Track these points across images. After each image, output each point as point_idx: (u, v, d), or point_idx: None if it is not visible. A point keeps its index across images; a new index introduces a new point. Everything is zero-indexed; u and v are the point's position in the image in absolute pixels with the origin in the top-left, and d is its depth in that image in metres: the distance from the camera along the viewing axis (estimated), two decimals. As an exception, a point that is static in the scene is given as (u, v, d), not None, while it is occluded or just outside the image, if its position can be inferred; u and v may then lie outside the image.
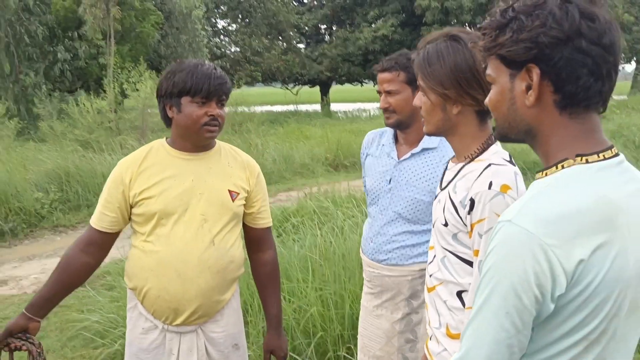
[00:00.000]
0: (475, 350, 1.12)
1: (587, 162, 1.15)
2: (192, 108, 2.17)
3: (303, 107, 30.83)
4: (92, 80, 21.27)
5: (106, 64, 18.72)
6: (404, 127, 2.45)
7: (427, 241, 2.39)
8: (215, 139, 2.34)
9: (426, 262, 2.38)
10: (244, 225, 2.41)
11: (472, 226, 1.61)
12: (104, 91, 15.46)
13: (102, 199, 2.27)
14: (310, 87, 38.87)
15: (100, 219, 2.26)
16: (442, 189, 1.78)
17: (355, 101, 41.94)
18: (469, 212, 1.61)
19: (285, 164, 13.02)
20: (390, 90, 2.41)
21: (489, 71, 1.26)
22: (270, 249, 2.45)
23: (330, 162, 13.75)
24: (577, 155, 1.16)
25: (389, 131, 2.55)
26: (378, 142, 2.59)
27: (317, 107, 33.88)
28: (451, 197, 1.69)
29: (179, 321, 2.24)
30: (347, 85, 42.20)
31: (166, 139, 2.33)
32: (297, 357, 3.56)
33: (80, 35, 20.64)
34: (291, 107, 30.56)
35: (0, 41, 19.84)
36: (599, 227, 1.08)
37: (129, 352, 2.34)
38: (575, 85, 1.13)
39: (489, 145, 1.72)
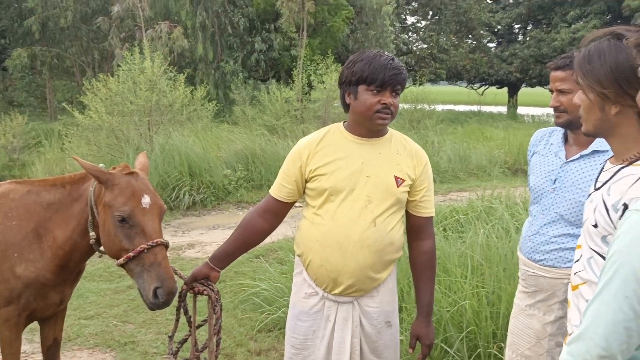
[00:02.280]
0: (594, 329, 1.15)
1: None
2: (367, 96, 2.32)
3: (487, 108, 29.99)
4: (284, 71, 22.55)
5: (297, 55, 19.73)
6: (575, 128, 2.39)
7: (588, 245, 2.32)
8: (388, 127, 2.47)
9: (585, 266, 2.33)
10: (407, 212, 2.50)
11: None
12: (293, 81, 16.36)
13: (281, 172, 2.51)
14: (497, 87, 37.64)
15: (278, 189, 2.50)
16: (595, 189, 1.75)
17: (545, 105, 39.78)
18: (621, 217, 1.57)
19: (461, 163, 12.84)
20: (563, 89, 2.36)
21: None
22: (429, 239, 2.52)
23: (509, 166, 13.29)
24: None
25: (559, 130, 2.50)
26: (547, 141, 2.55)
27: (503, 109, 32.77)
28: (604, 199, 1.65)
29: (337, 291, 2.41)
30: (537, 88, 40.24)
31: (343, 122, 2.50)
32: (448, 348, 3.60)
33: (276, 28, 21.97)
34: (474, 108, 29.88)
35: (207, 31, 21.82)
36: None
37: (291, 314, 2.56)
38: None
39: None
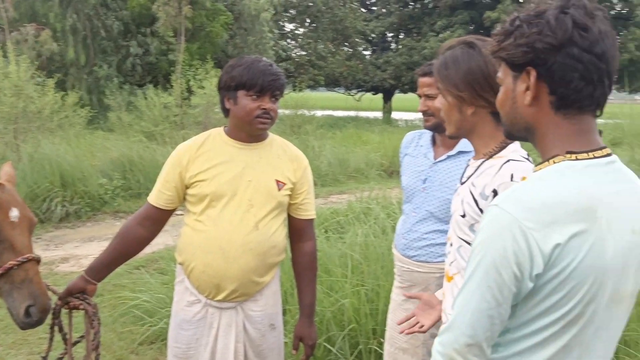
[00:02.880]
0: (461, 318, 1.25)
1: (576, 159, 1.27)
2: (247, 101, 2.35)
3: (364, 114, 30.95)
4: (161, 76, 21.99)
5: (175, 60, 19.36)
6: (442, 130, 2.53)
7: (456, 240, 2.49)
8: (269, 132, 2.51)
9: (454, 260, 2.49)
10: (288, 215, 2.56)
11: None
12: (172, 86, 16.00)
13: (160, 178, 2.49)
14: (373, 94, 38.92)
15: (157, 196, 2.47)
16: (461, 183, 1.90)
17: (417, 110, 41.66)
18: None
19: (340, 167, 13.16)
20: (429, 94, 2.53)
21: (499, 74, 1.40)
22: (310, 240, 2.59)
23: (385, 168, 13.82)
24: (568, 152, 1.28)
25: (428, 133, 2.67)
26: (417, 143, 2.71)
27: (379, 114, 33.92)
28: (471, 190, 1.81)
29: (220, 297, 2.41)
30: (410, 94, 42.06)
31: (224, 127, 2.52)
32: (330, 347, 3.69)
33: (153, 32, 21.42)
34: (352, 113, 30.73)
35: (78, 34, 20.84)
36: (577, 217, 1.20)
37: (173, 323, 2.53)
38: (567, 88, 1.26)
39: (507, 144, 1.84)
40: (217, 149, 2.45)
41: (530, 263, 1.19)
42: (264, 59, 2.45)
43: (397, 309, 2.69)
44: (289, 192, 2.48)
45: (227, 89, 2.40)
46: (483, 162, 1.84)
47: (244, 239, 2.37)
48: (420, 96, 2.58)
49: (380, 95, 38.39)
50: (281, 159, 2.49)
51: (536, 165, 1.34)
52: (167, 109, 14.76)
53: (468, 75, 1.79)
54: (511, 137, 1.45)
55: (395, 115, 34.71)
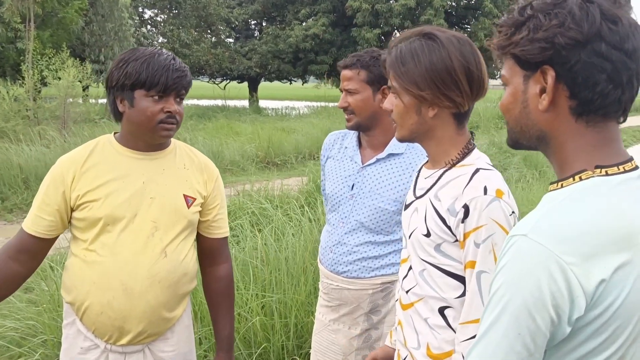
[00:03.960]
0: None
1: (606, 174, 1.08)
2: (147, 103, 1.95)
3: (231, 103, 30.37)
4: (9, 66, 20.06)
5: (25, 49, 17.68)
6: (365, 130, 2.32)
7: (391, 253, 2.27)
8: (171, 138, 2.13)
9: (389, 274, 2.27)
10: (198, 234, 2.20)
11: (465, 235, 1.50)
12: (22, 78, 14.58)
13: (37, 201, 2.02)
14: (238, 82, 38.35)
15: (35, 222, 2.00)
16: (417, 197, 1.66)
17: (284, 99, 41.77)
18: (463, 220, 1.50)
19: (215, 160, 12.60)
20: (350, 89, 2.28)
21: (503, 71, 1.18)
22: (225, 262, 2.25)
23: (261, 160, 13.53)
24: (597, 167, 1.09)
25: (352, 133, 2.42)
26: (340, 144, 2.45)
27: (245, 103, 33.48)
28: (434, 205, 1.57)
29: (124, 341, 2.02)
30: (275, 83, 41.94)
31: (114, 134, 2.10)
32: (237, 368, 3.37)
33: (-3, 17, 19.41)
34: (219, 102, 30.04)
35: None
36: (620, 246, 1.01)
37: None
38: (592, 92, 1.06)
39: (470, 150, 1.63)
40: (109, 161, 2.02)
41: (570, 305, 0.98)
42: (164, 51, 2.03)
43: (323, 330, 2.43)
44: (199, 209, 2.12)
45: (120, 88, 1.97)
46: (445, 171, 1.61)
47: (150, 269, 1.98)
48: (341, 90, 2.32)
49: (245, 84, 37.94)
50: (189, 170, 2.12)
51: (556, 183, 1.13)
52: (18, 102, 13.42)
53: (430, 72, 1.55)
54: (517, 146, 1.22)
55: (262, 103, 34.46)
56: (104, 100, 21.04)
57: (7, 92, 13.23)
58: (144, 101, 1.95)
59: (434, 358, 1.60)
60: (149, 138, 2.02)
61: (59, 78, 13.49)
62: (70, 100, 13.78)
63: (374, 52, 2.29)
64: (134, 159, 2.04)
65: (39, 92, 14.14)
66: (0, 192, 9.18)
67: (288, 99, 40.50)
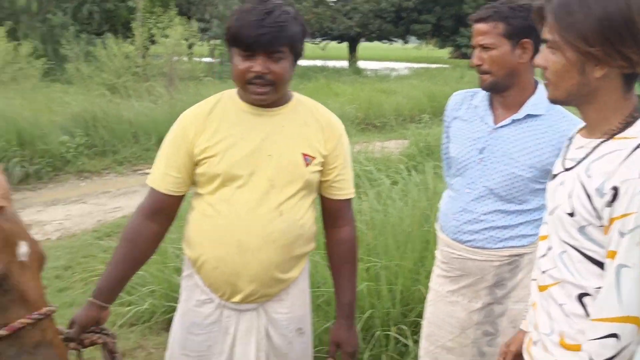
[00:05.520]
0: None
1: None
2: (238, 61, 1.85)
3: (331, 63, 30.20)
4: (120, 24, 20.87)
5: (135, 7, 18.25)
6: (501, 90, 2.09)
7: (522, 224, 2.07)
8: (294, 92, 2.03)
9: (518, 246, 2.08)
10: (320, 196, 2.08)
11: (611, 221, 1.28)
12: (132, 35, 15.07)
13: (162, 157, 1.98)
14: (338, 42, 38.04)
15: (164, 180, 1.96)
16: (566, 169, 1.44)
17: (383, 60, 41.08)
18: (610, 204, 1.28)
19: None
20: (485, 44, 2.04)
21: None
22: (347, 225, 2.10)
23: (361, 121, 13.34)
24: None
25: (482, 92, 2.20)
26: (469, 104, 2.23)
27: (344, 63, 33.19)
28: (583, 181, 1.35)
29: (237, 298, 1.97)
30: (375, 43, 41.32)
31: (238, 89, 2.01)
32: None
33: (110, -23, 20.16)
34: (318, 62, 29.96)
35: (29, -22, 19.43)
36: None
37: (180, 326, 2.08)
38: None
39: (634, 120, 1.37)
40: (230, 116, 1.95)
41: None
42: (271, 2, 1.86)
43: (440, 301, 2.27)
44: (319, 168, 1.99)
45: (227, 43, 1.90)
46: (601, 143, 1.37)
47: (264, 228, 1.91)
48: (473, 47, 2.10)
49: (344, 44, 37.59)
50: (309, 127, 1.99)
51: None
52: (128, 59, 13.90)
53: (604, 24, 1.29)
54: None
55: (361, 64, 34.05)
56: (208, 59, 21.52)
57: (119, 49, 13.73)
58: (237, 58, 1.86)
59: (566, 348, 1.41)
60: (247, 97, 1.92)
61: (167, 36, 13.81)
62: (177, 58, 14.10)
63: (511, 2, 2.05)
64: (254, 115, 1.95)
65: (147, 49, 14.57)
66: (112, 146, 9.56)
67: (388, 60, 39.74)
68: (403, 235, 3.58)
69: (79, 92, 11.89)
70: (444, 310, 2.25)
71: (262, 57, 1.81)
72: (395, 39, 37.74)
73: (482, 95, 2.19)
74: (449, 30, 32.96)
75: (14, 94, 9.84)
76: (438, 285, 2.29)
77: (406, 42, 39.75)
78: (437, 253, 2.30)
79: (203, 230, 1.96)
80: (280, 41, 1.82)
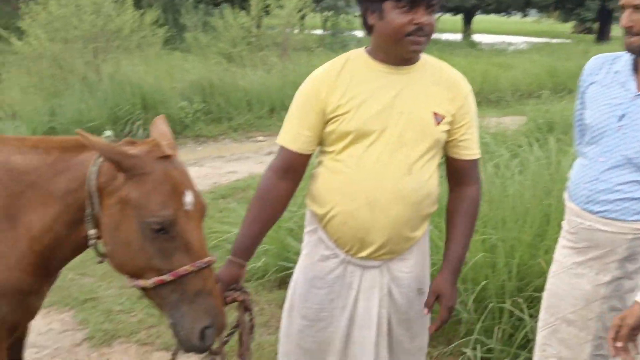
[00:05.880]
0: None
1: None
2: (396, 14, 1.84)
3: (443, 36, 29.45)
4: (237, -5, 21.36)
5: (251, -22, 18.62)
6: None
7: (661, 195, 1.93)
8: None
9: (656, 220, 1.95)
10: (446, 156, 2.07)
11: None
12: (248, 6, 15.40)
13: (294, 117, 2.02)
14: (452, 14, 37.02)
15: (295, 139, 2.01)
16: None
17: (499, 33, 39.52)
18: None
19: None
20: (639, 5, 1.89)
21: None
22: (473, 185, 2.07)
23: (475, 95, 12.92)
24: None
25: (626, 56, 2.05)
26: (609, 69, 2.09)
27: (458, 36, 32.25)
28: None
29: (364, 253, 2.00)
30: (492, 16, 39.81)
31: (365, 48, 2.03)
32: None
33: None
34: (433, 35, 29.31)
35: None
36: None
37: (302, 279, 2.14)
38: None
39: None
40: (360, 75, 1.96)
41: None
42: None
43: (564, 273, 2.17)
44: (447, 127, 1.97)
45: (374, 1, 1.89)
46: None
47: (395, 185, 1.92)
48: (623, 7, 1.95)
49: (459, 17, 36.51)
50: (438, 86, 1.97)
51: None
52: (244, 29, 14.25)
53: None
54: None
55: (475, 38, 32.94)
56: (319, 31, 21.63)
57: (235, 20, 14.09)
58: (393, 13, 1.84)
59: None
60: (398, 52, 1.91)
61: (282, 7, 14.01)
62: (290, 29, 14.27)
63: None
64: (384, 72, 1.96)
65: (261, 19, 14.85)
66: (227, 113, 9.89)
67: (504, 34, 38.16)
68: (522, 209, 3.46)
69: (197, 60, 12.34)
70: (568, 282, 2.15)
71: (422, 9, 1.83)
72: (514, 12, 36.14)
73: (625, 59, 2.05)
74: (573, 3, 31.12)
75: (139, 60, 10.36)
76: (563, 257, 2.19)
77: (525, 15, 38.00)
78: (564, 223, 2.21)
79: (332, 186, 1.98)
80: None
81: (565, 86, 13.53)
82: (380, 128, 1.91)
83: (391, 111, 1.92)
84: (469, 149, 2.03)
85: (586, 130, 2.12)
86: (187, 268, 1.68)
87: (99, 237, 1.79)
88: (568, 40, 28.71)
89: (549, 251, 3.20)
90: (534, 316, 2.91)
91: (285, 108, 10.41)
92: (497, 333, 3.04)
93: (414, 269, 2.07)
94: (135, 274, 1.74)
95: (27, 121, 8.54)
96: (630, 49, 1.96)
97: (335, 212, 1.98)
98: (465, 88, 2.02)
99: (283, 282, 4.09)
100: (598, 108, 2.05)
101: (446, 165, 2.09)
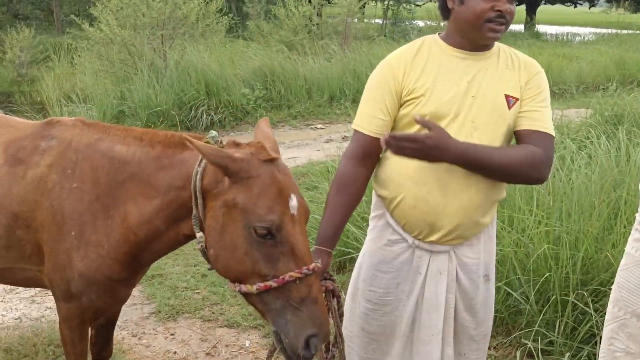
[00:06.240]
0: None
1: None
2: (475, 1, 1.87)
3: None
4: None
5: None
6: None
7: None
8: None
9: None
10: (516, 135, 2.02)
11: None
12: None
13: (368, 100, 2.05)
14: (516, 4, 36.10)
15: (371, 122, 2.03)
16: None
17: (564, 24, 38.33)
18: None
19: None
20: None
21: None
22: (541, 151, 1.93)
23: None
24: None
25: None
26: None
27: (521, 27, 31.46)
28: None
29: (433, 238, 2.02)
30: (557, 6, 38.65)
31: (439, 34, 2.06)
32: (512, 292, 3.24)
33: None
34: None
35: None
36: None
37: (368, 263, 2.17)
38: None
39: None
40: (436, 58, 1.99)
41: None
42: None
43: (636, 266, 2.13)
44: (519, 109, 1.98)
45: None
46: None
47: (466, 170, 1.92)
48: None
49: (522, 7, 35.58)
50: (511, 71, 1.99)
51: None
52: (305, 18, 14.32)
53: None
54: None
55: (539, 28, 32.05)
56: (379, 20, 21.50)
57: (296, 8, 14.18)
58: None
59: None
60: (475, 37, 1.94)
61: (343, -5, 14.00)
62: (350, 19, 14.26)
63: None
64: (459, 58, 1.98)
65: (323, 7, 14.87)
66: (287, 100, 10.01)
67: (569, 25, 37.00)
68: (588, 202, 3.40)
69: (259, 48, 12.49)
70: (639, 275, 2.12)
71: None
72: (581, 2, 34.98)
73: None
74: (645, -8, 29.90)
75: (203, 47, 10.58)
76: (635, 250, 2.15)
77: (593, 5, 36.72)
78: (638, 215, 2.17)
79: (401, 169, 2.00)
80: None
81: (635, 78, 13.07)
82: (454, 112, 1.93)
83: (465, 95, 1.94)
84: (537, 120, 1.95)
85: None
86: (293, 274, 1.65)
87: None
88: (638, 32, 27.60)
89: (617, 245, 3.16)
90: (599, 310, 2.88)
91: (344, 96, 10.43)
92: (560, 326, 3.01)
93: (481, 255, 2.09)
94: (239, 279, 1.73)
95: (97, 104, 8.88)
96: None
97: (404, 195, 2.00)
98: (536, 66, 2.04)
99: (342, 267, 4.15)
100: None
101: (516, 143, 2.05)
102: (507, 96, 1.95)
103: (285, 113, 9.82)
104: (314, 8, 14.35)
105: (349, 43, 13.33)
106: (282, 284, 1.66)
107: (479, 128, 1.94)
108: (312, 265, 1.68)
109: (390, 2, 21.76)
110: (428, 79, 1.96)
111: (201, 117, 8.71)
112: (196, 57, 9.43)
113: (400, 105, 2.00)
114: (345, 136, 8.01)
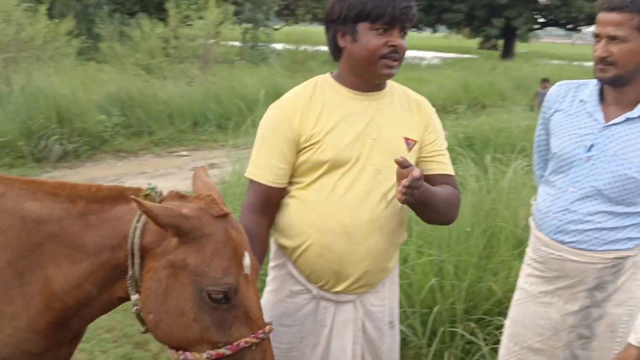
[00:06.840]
0: None
1: None
2: (370, 37, 1.80)
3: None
4: (153, 5, 20.82)
5: (168, -12, 18.20)
6: (620, 85, 1.97)
7: (630, 226, 1.98)
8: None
9: (623, 249, 1.98)
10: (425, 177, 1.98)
11: None
12: (166, 16, 15.02)
13: (263, 147, 1.92)
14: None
15: (271, 172, 1.90)
16: None
17: (410, 48, 40.53)
18: None
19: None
20: (616, 36, 1.90)
21: None
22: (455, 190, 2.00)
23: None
24: None
25: (592, 85, 2.08)
26: (573, 97, 2.12)
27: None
28: None
29: (339, 287, 1.92)
30: (403, 31, 40.80)
31: (331, 74, 1.97)
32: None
33: (143, -44, 20.10)
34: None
35: (63, -44, 19.42)
36: None
37: (269, 316, 1.99)
38: None
39: None
40: (331, 101, 1.90)
41: None
42: None
43: (530, 301, 2.18)
44: (418, 153, 1.96)
45: (342, 21, 1.84)
46: None
47: (371, 214, 1.86)
48: (598, 36, 1.96)
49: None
50: (407, 111, 1.95)
51: None
52: (162, 40, 13.87)
53: None
54: None
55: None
56: (237, 43, 21.41)
57: (152, 30, 13.70)
58: (368, 34, 1.81)
59: None
60: (370, 75, 1.87)
61: (202, 17, 13.75)
62: (212, 41, 14.03)
63: None
64: (355, 99, 1.91)
65: (179, 30, 14.52)
66: (148, 126, 9.56)
67: (415, 49, 39.28)
68: (463, 230, 3.48)
69: (115, 71, 11.88)
70: (535, 310, 2.16)
71: (397, 32, 1.81)
72: (424, 28, 37.30)
73: (590, 88, 2.08)
74: (481, 21, 32.51)
75: (53, 71, 9.84)
76: (529, 285, 2.20)
77: (435, 31, 39.32)
78: (530, 251, 2.21)
79: (305, 218, 1.89)
80: (412, 17, 1.83)
81: (479, 101, 14.04)
82: (355, 156, 1.86)
83: (365, 138, 1.87)
84: (444, 164, 1.99)
85: (550, 158, 2.14)
86: (248, 340, 1.50)
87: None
88: (476, 56, 29.88)
89: (498, 273, 3.25)
90: (487, 340, 2.93)
91: (208, 122, 10.09)
92: (449, 358, 3.03)
93: (386, 301, 2.03)
94: (183, 346, 1.53)
95: None
96: (602, 78, 1.98)
97: (308, 244, 1.89)
98: (429, 108, 2.02)
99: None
100: (565, 137, 2.07)
101: None
102: (406, 139, 1.91)
103: (146, 140, 9.36)
104: (170, 30, 13.95)
105: (210, 67, 13.10)
106: (237, 351, 1.49)
107: (382, 172, 1.87)
108: (267, 328, 1.55)
109: (248, 26, 21.77)
110: (325, 125, 1.87)
111: (53, 147, 8.03)
112: (45, 82, 8.72)
113: (298, 152, 1.89)
114: (212, 163, 7.75)
